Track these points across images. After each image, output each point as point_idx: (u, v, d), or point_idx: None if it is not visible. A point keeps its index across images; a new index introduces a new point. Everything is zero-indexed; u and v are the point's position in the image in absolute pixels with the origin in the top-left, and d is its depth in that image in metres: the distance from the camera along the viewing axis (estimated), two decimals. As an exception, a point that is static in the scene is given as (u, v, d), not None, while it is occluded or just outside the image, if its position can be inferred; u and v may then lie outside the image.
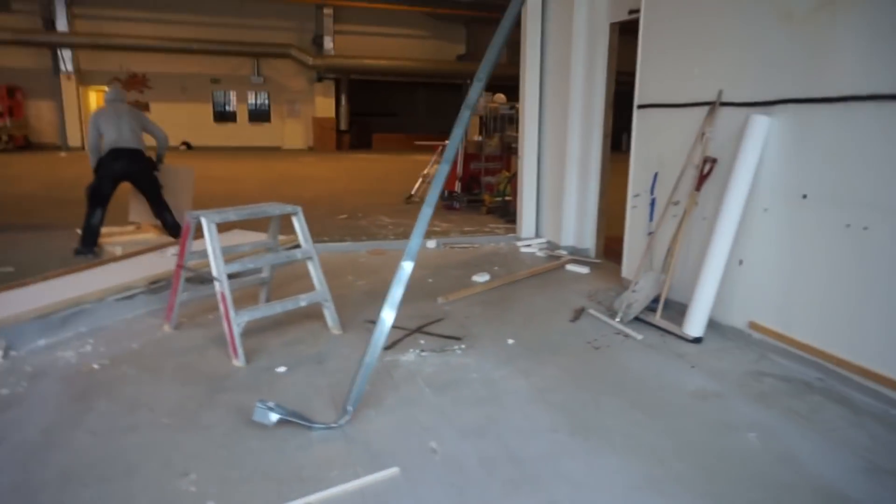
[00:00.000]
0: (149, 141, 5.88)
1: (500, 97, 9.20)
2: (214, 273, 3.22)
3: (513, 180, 7.81)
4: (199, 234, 3.34)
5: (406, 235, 4.14)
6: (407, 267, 2.78)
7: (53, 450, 2.38)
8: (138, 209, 6.12)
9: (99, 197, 5.60)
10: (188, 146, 21.95)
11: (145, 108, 21.76)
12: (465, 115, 3.00)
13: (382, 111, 25.03)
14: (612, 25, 5.30)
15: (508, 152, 8.75)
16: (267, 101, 22.88)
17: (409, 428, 2.58)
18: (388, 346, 3.41)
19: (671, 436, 2.55)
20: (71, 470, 2.24)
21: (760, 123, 3.45)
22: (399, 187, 10.79)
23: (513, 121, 8.62)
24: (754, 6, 3.51)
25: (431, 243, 6.10)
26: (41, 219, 7.52)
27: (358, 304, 4.23)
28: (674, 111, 4.21)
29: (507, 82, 8.60)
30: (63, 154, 18.61)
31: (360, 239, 6.44)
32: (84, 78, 20.98)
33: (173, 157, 7.35)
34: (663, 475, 2.26)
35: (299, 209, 3.68)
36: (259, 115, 22.96)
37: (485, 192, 8.94)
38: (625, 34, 5.28)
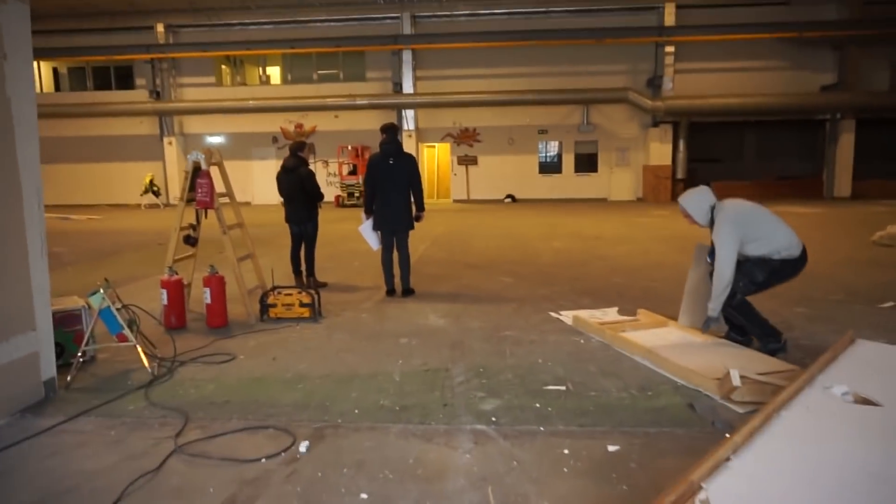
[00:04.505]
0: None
1: None
2: None
3: None
4: None
5: None
6: None
7: None
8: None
9: None
10: (512, 199, 21.43)
11: (473, 161, 21.90)
12: None
13: (706, 156, 21.76)
14: None
15: None
16: (595, 150, 21.38)
17: None
18: None
19: None
20: None
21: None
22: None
23: None
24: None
25: None
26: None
27: None
28: None
29: None
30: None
31: None
32: (421, 135, 21.85)
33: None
34: None
35: None
36: (585, 165, 21.56)
37: None
38: None
